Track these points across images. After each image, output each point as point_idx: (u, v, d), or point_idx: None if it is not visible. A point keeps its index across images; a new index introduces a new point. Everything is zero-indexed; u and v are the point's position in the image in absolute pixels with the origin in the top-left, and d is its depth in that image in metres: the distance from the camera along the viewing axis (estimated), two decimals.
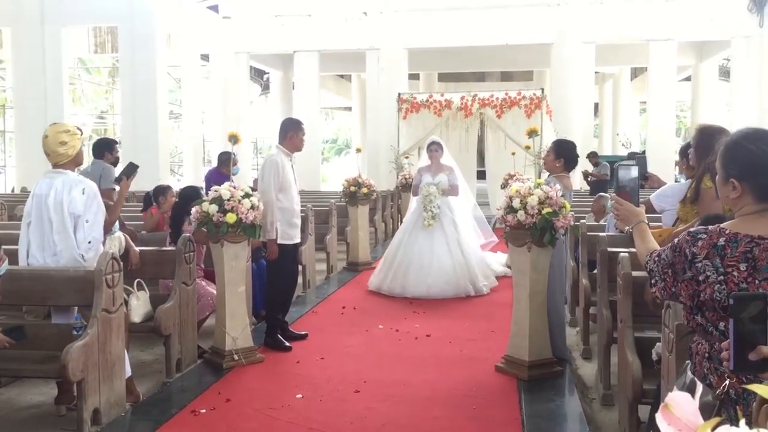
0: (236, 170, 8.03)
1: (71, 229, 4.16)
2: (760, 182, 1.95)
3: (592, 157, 13.69)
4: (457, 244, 7.93)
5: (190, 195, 5.95)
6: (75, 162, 4.31)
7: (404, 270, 7.87)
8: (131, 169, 4.74)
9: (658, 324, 3.44)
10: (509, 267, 7.78)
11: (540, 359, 4.96)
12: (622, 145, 21.48)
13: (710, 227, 1.99)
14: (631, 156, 8.47)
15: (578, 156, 5.64)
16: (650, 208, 4.06)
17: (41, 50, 15.23)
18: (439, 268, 7.75)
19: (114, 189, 5.53)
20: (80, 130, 4.37)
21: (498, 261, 9.30)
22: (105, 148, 6.80)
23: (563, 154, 5.49)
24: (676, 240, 2.06)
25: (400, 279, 7.86)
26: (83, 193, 4.14)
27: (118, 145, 7.24)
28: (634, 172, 2.62)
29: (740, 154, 1.98)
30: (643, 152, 15.73)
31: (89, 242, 4.19)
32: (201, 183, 15.29)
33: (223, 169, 9.32)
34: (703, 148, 3.75)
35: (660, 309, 3.25)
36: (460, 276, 7.79)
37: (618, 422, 4.11)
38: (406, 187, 12.14)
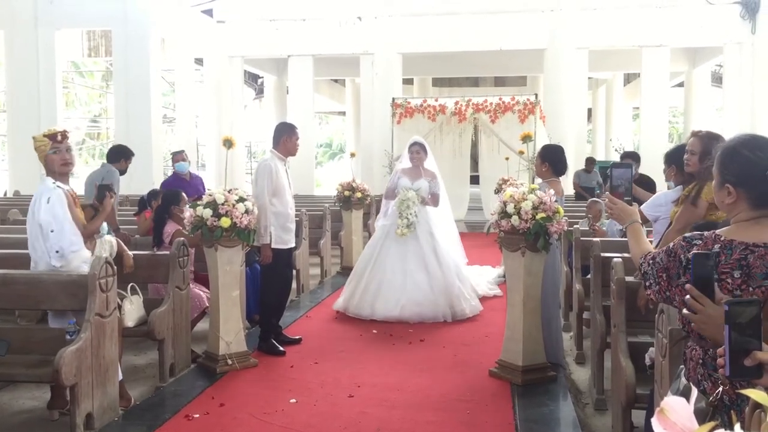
0: (181, 167, 7.87)
1: (41, 237, 4.19)
2: (756, 189, 1.96)
3: (588, 162, 13.53)
4: (435, 259, 6.98)
5: (172, 198, 6.01)
6: (51, 169, 4.26)
7: (374, 289, 6.93)
8: (103, 191, 4.66)
9: (652, 329, 3.45)
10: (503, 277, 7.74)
11: (534, 364, 4.97)
12: (615, 150, 21.52)
13: (705, 233, 1.99)
14: (626, 155, 8.35)
15: (565, 160, 5.66)
16: (642, 218, 4.06)
17: (34, 53, 15.17)
18: (413, 286, 6.82)
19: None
20: (50, 137, 4.21)
21: (486, 279, 8.55)
22: (122, 155, 6.99)
23: (548, 158, 5.53)
24: (671, 244, 2.06)
25: (369, 299, 6.90)
26: (48, 203, 4.14)
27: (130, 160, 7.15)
28: (628, 171, 2.63)
29: (737, 160, 1.99)
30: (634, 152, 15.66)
31: (56, 251, 4.19)
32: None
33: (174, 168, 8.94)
34: (709, 154, 3.75)
35: (653, 314, 3.27)
36: (438, 296, 6.83)
37: (611, 427, 4.13)
38: None
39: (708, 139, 3.80)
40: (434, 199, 7.12)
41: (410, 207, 6.90)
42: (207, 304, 5.66)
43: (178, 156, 8.21)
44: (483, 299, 7.67)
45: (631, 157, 6.92)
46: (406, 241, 6.93)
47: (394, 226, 7.02)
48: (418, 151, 7.15)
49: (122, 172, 6.96)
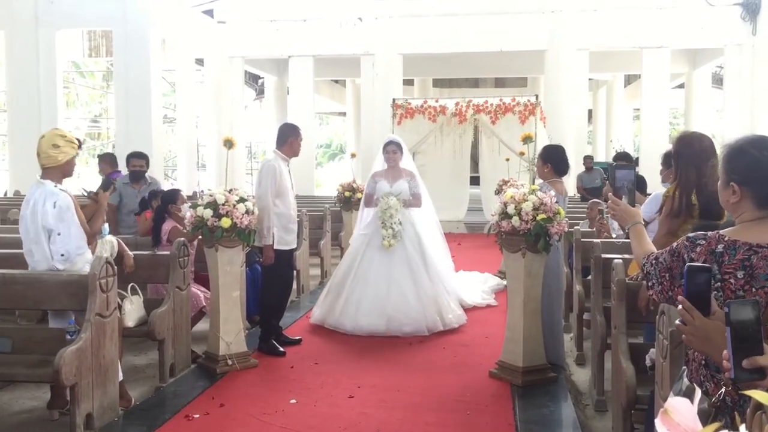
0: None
1: (45, 240, 4.18)
2: (762, 189, 1.95)
3: (587, 160, 13.47)
4: (423, 265, 6.52)
5: (170, 197, 6.15)
6: (62, 171, 4.25)
7: (357, 300, 6.41)
8: (107, 184, 4.68)
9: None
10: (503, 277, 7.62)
11: (534, 365, 4.97)
12: (616, 151, 21.52)
13: (709, 233, 1.98)
14: (618, 157, 8.27)
15: (567, 160, 5.65)
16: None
17: (35, 53, 15.19)
18: (400, 297, 6.34)
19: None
20: (79, 141, 4.33)
21: (482, 288, 7.99)
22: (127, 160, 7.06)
23: (549, 159, 5.52)
24: (674, 244, 2.06)
25: (352, 312, 6.38)
26: (54, 207, 4.12)
27: (136, 159, 6.98)
28: (631, 173, 2.62)
29: (744, 159, 1.98)
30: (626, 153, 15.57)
31: (62, 255, 4.18)
32: (195, 187, 15.28)
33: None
34: (675, 155, 3.75)
35: (654, 315, 3.26)
36: (427, 306, 6.36)
37: (612, 428, 4.12)
38: None
39: (675, 141, 3.81)
40: (417, 200, 6.69)
41: (393, 215, 6.42)
42: (204, 303, 5.67)
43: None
44: (475, 308, 7.29)
45: (624, 159, 6.86)
46: (391, 248, 6.45)
47: (376, 235, 6.52)
48: (395, 150, 6.66)
49: (132, 179, 6.89)
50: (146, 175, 7.00)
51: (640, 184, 5.84)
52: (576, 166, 13.54)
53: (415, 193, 6.66)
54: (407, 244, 6.52)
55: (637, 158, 16.57)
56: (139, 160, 6.96)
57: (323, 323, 6.55)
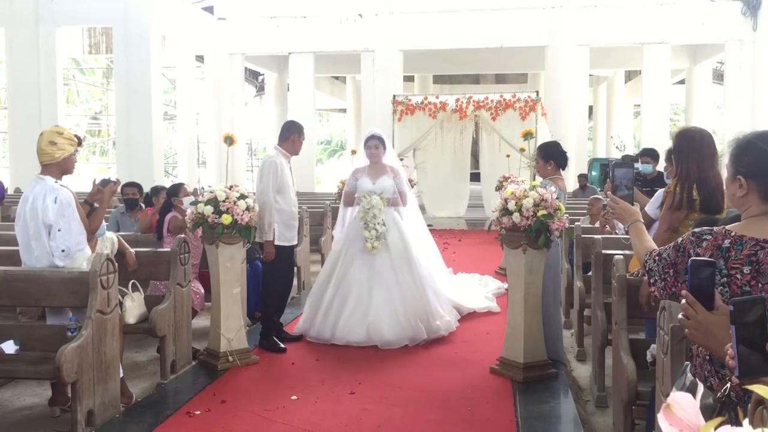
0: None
1: (45, 236, 4.18)
2: None
3: (581, 179, 13.34)
4: (408, 270, 6.00)
5: (173, 191, 6.18)
6: (61, 168, 4.24)
7: (337, 308, 5.94)
8: (106, 182, 4.68)
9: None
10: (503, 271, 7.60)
11: (534, 361, 4.97)
12: (616, 147, 21.51)
13: (715, 228, 1.98)
14: (644, 153, 8.20)
15: (566, 153, 5.64)
16: (648, 220, 4.01)
17: (35, 50, 15.19)
18: (382, 301, 5.85)
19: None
20: (78, 138, 4.33)
21: (483, 291, 7.61)
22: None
23: (552, 156, 5.50)
24: (679, 239, 2.05)
25: (331, 320, 5.91)
26: (55, 202, 4.12)
27: (128, 188, 6.74)
28: (630, 171, 2.63)
29: (752, 152, 1.98)
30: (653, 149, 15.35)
31: (62, 251, 4.18)
32: (195, 185, 15.28)
33: None
34: (676, 150, 3.77)
35: (654, 311, 3.26)
36: (411, 315, 5.86)
37: (612, 424, 4.12)
38: None
39: (675, 136, 3.82)
40: (403, 198, 6.20)
41: (377, 216, 5.93)
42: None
43: None
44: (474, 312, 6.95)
45: (650, 155, 6.74)
46: (374, 251, 5.95)
47: (357, 238, 6.01)
48: (377, 145, 6.15)
49: (128, 207, 6.71)
50: (140, 203, 6.75)
51: (659, 180, 5.83)
52: (576, 165, 13.51)
53: (401, 191, 6.18)
54: (391, 247, 6.02)
55: (638, 155, 16.53)
56: (131, 188, 6.71)
57: (305, 334, 6.07)
